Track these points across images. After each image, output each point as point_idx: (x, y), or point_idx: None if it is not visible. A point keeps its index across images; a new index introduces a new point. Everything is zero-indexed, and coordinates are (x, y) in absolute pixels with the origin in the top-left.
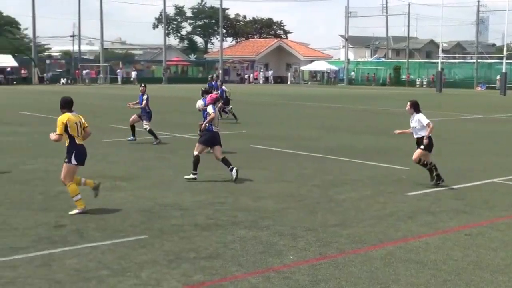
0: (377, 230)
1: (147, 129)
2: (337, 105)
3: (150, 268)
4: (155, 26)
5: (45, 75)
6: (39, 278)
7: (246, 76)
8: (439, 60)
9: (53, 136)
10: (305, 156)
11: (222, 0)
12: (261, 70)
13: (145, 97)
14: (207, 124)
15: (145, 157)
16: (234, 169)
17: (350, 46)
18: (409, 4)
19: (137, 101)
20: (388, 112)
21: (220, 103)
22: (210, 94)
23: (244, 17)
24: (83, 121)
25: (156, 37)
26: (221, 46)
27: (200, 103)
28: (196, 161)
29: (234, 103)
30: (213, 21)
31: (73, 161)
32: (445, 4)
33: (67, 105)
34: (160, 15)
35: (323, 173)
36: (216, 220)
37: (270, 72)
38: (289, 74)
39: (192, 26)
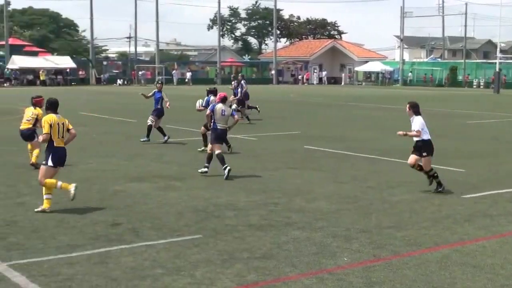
0: (433, 233)
1: (148, 124)
2: (392, 106)
3: (204, 267)
4: (209, 27)
5: (102, 76)
6: (96, 275)
7: (299, 77)
8: (497, 61)
9: (41, 137)
10: (359, 157)
11: (277, 1)
12: (315, 71)
13: (163, 94)
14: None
15: (199, 158)
16: (227, 169)
17: (405, 46)
18: (466, 4)
19: (150, 94)
20: (445, 114)
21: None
22: (218, 93)
23: (298, 18)
24: (66, 123)
25: (210, 38)
26: (275, 47)
27: (198, 103)
28: (210, 157)
29: (286, 103)
30: (267, 22)
31: (49, 163)
32: (504, 4)
33: (52, 106)
34: (215, 16)
35: (377, 175)
36: (270, 221)
37: (324, 73)
38: (343, 75)
39: (246, 27)
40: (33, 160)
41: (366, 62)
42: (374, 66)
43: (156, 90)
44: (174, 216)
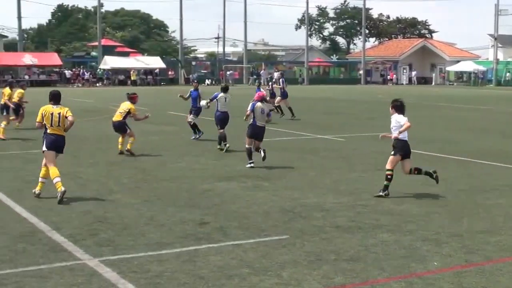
0: None
1: (191, 123)
2: (485, 107)
3: (291, 268)
4: (297, 27)
5: (190, 76)
6: (184, 273)
7: (388, 77)
8: None
9: (36, 124)
10: (450, 159)
11: (366, 0)
12: (404, 71)
13: (200, 92)
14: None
15: (286, 158)
16: (251, 165)
17: (500, 45)
18: None
19: (188, 95)
20: None
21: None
22: (257, 93)
23: (388, 16)
24: (64, 112)
25: (298, 38)
26: (363, 46)
27: (203, 102)
28: (249, 152)
29: (374, 104)
30: (356, 22)
31: (43, 147)
32: None
33: (52, 97)
34: (303, 16)
35: (469, 178)
36: (358, 223)
37: (414, 73)
38: (433, 75)
39: (334, 26)
40: (128, 146)
41: (458, 61)
42: (466, 66)
43: (193, 89)
44: (261, 216)
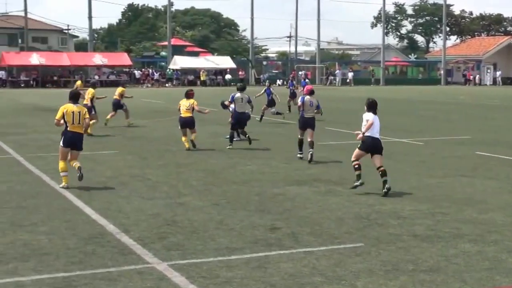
0: None
1: (274, 112)
2: None
3: (366, 278)
4: (373, 25)
5: (261, 76)
6: (254, 280)
7: (471, 77)
8: None
9: (55, 121)
10: None
11: None
12: (488, 70)
13: (272, 90)
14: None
15: (362, 161)
16: (301, 156)
17: None
18: None
19: (262, 92)
20: None
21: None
22: (305, 86)
23: (470, 13)
24: (83, 112)
25: (374, 37)
26: (444, 45)
27: (227, 103)
28: (300, 143)
29: (455, 105)
30: (436, 19)
31: (61, 143)
32: None
33: (72, 97)
34: (379, 13)
35: None
36: (437, 231)
37: (498, 73)
38: None
39: (412, 24)
40: (192, 137)
41: None
42: None
43: (266, 87)
44: (334, 222)
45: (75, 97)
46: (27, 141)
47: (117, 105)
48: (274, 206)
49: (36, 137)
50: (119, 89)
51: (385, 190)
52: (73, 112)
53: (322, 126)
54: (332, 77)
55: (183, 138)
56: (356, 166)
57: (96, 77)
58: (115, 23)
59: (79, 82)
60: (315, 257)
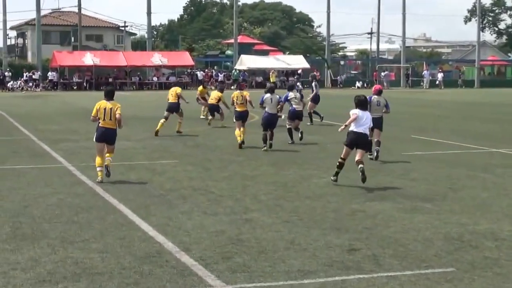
0: None
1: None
2: None
3: None
4: (467, 20)
5: (338, 77)
6: None
7: None
8: None
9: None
10: None
11: None
12: None
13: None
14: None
15: (453, 175)
16: (376, 151)
17: None
18: None
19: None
20: None
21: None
22: (374, 86)
23: None
24: (115, 109)
25: (467, 33)
26: None
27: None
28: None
29: None
30: None
31: (94, 138)
32: None
33: (106, 94)
34: (474, 6)
35: None
36: None
37: None
38: None
39: None
40: (242, 137)
41: None
42: None
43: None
44: (421, 244)
45: (109, 94)
46: (80, 149)
47: (215, 109)
48: (353, 224)
49: (90, 144)
50: (215, 94)
51: (362, 176)
52: (105, 109)
53: (407, 134)
54: (422, 79)
55: (237, 132)
56: (338, 164)
57: (155, 78)
58: (176, 19)
59: (201, 88)
60: (399, 282)
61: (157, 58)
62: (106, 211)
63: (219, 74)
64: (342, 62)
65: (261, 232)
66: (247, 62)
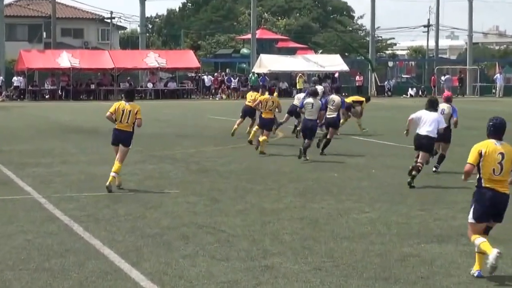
0: None
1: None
2: None
3: None
4: None
5: (386, 83)
6: None
7: None
8: None
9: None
10: None
11: None
12: None
13: None
14: None
15: None
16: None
17: None
18: None
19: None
20: None
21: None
22: (445, 92)
23: None
24: (134, 111)
25: None
26: None
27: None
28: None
29: None
30: None
31: (111, 141)
32: None
33: (125, 94)
34: None
35: None
36: None
37: None
38: None
39: None
40: (260, 139)
41: None
42: None
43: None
44: None
45: (129, 95)
46: (53, 175)
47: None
48: (404, 272)
49: (66, 169)
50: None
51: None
52: (123, 110)
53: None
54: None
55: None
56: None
57: (150, 85)
58: (177, 9)
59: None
60: None
61: (152, 59)
62: (87, 255)
63: (231, 79)
64: (390, 64)
65: (285, 282)
66: (268, 63)
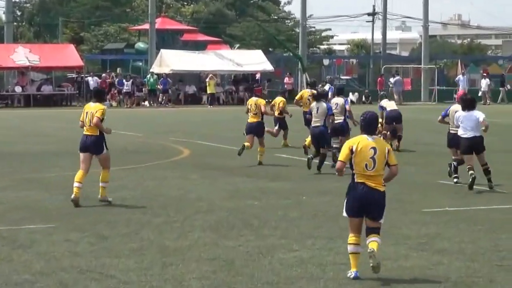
0: None
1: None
2: None
3: None
4: None
5: (319, 86)
6: None
7: None
8: None
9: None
10: None
11: None
12: None
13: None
14: None
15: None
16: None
17: None
18: None
19: None
20: None
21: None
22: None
23: None
24: (94, 111)
25: None
26: None
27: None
28: (459, 163)
29: None
30: None
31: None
32: None
33: (93, 94)
34: None
35: None
36: None
37: None
38: None
39: None
40: (259, 158)
41: None
42: None
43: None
44: None
45: (96, 95)
46: None
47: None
48: None
49: None
50: (280, 101)
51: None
52: (87, 112)
53: (433, 179)
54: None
55: (247, 144)
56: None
57: (18, 88)
58: None
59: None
60: None
61: (21, 55)
62: None
63: (124, 81)
64: (326, 62)
65: None
66: (170, 61)
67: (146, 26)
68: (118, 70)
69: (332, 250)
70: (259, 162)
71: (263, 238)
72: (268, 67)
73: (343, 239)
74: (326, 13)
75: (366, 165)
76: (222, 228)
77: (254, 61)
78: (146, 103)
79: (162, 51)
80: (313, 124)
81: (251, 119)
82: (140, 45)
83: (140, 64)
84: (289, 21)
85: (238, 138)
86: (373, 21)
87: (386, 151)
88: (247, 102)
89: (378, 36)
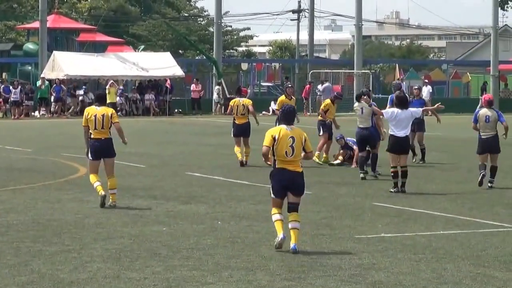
0: None
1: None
2: None
3: None
4: None
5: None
6: None
7: None
8: None
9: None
10: None
11: None
12: None
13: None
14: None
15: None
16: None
17: None
18: None
19: None
20: None
21: None
22: (483, 96)
23: None
24: (108, 115)
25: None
26: None
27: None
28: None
29: None
30: None
31: (89, 155)
32: None
33: (96, 98)
34: None
35: None
36: None
37: None
38: None
39: None
40: (245, 158)
41: None
42: None
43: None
44: None
45: (99, 99)
46: None
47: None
48: None
49: None
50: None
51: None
52: (95, 116)
53: (367, 201)
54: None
55: (236, 149)
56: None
57: None
58: None
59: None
60: None
61: None
62: None
63: (10, 88)
64: (244, 66)
65: None
66: (65, 65)
67: (36, 24)
68: (4, 75)
69: (251, 283)
70: (245, 162)
71: (173, 269)
72: (178, 72)
73: (265, 271)
74: (244, 10)
75: (286, 152)
76: (125, 258)
77: (162, 65)
78: (35, 113)
79: (55, 53)
80: (361, 125)
81: (240, 120)
82: (29, 46)
83: (30, 68)
84: (201, 19)
85: (143, 154)
86: (298, 19)
87: (303, 139)
88: (231, 103)
89: (304, 37)
